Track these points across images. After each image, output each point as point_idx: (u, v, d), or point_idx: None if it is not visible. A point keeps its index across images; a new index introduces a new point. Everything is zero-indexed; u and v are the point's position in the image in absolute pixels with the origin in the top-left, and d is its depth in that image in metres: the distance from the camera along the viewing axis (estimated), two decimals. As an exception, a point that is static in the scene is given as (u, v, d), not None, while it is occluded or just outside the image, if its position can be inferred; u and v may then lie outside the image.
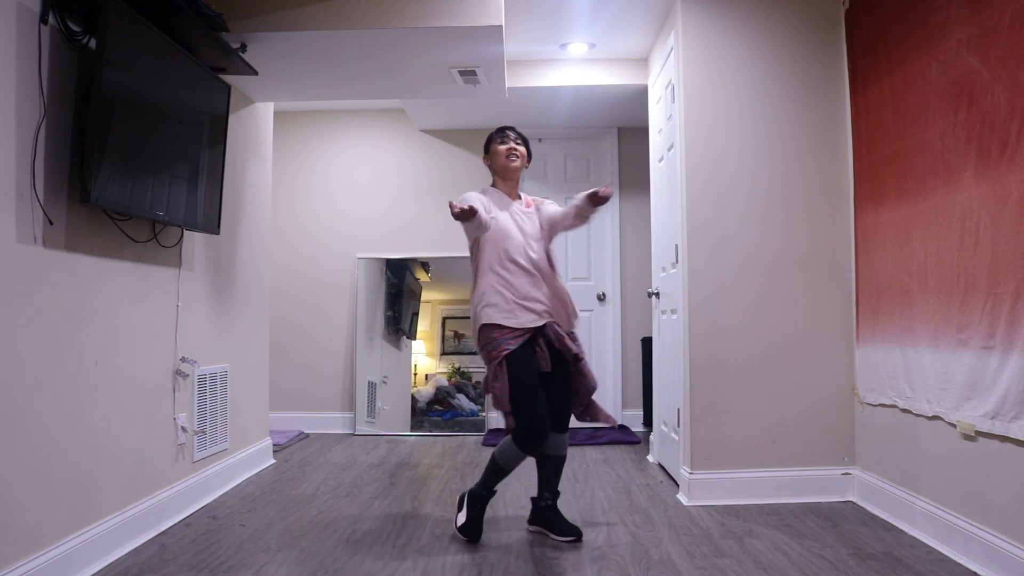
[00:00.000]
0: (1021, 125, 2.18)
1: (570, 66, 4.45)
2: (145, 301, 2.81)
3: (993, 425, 2.30)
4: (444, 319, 5.47)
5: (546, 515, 2.80)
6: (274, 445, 4.41)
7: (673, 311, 3.67)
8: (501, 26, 3.03)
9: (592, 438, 4.85)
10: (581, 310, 5.36)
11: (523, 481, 3.67)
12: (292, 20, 3.04)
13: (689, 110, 3.37)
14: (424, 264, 5.45)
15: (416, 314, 5.44)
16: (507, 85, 4.04)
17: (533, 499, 2.87)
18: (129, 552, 2.61)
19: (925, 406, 2.70)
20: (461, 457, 4.37)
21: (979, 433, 2.40)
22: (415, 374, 5.40)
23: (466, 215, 2.53)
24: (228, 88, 3.18)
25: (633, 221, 5.38)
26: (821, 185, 3.35)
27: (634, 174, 5.37)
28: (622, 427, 5.22)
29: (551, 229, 2.86)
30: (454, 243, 5.17)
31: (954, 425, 2.53)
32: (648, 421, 5.12)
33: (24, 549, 2.11)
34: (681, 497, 3.33)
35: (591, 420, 2.86)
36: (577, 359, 2.79)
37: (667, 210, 3.81)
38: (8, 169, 2.05)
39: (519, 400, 2.61)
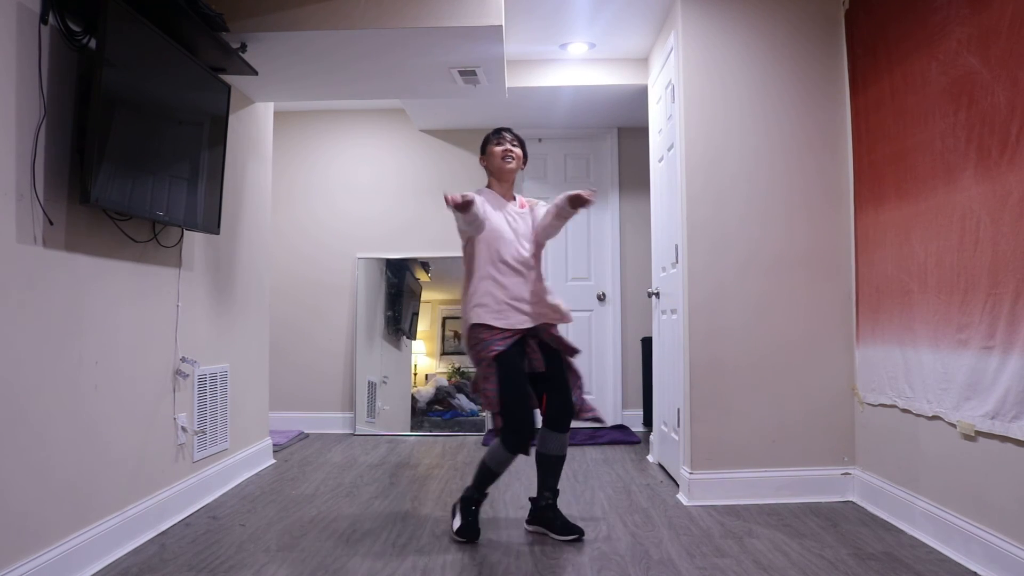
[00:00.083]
0: (1021, 125, 2.18)
1: (570, 66, 4.45)
2: (145, 301, 2.81)
3: (993, 425, 2.30)
4: (444, 319, 5.47)
5: (546, 514, 2.81)
6: (274, 445, 4.41)
7: (673, 311, 3.67)
8: (501, 26, 3.03)
9: (592, 438, 4.85)
10: (581, 310, 5.40)
11: (523, 481, 3.67)
12: (292, 20, 3.04)
13: (689, 110, 3.37)
14: (424, 264, 5.45)
15: (416, 314, 5.44)
16: (507, 85, 4.04)
17: (532, 499, 2.87)
18: (129, 552, 2.61)
19: (925, 406, 2.70)
20: (461, 457, 4.37)
21: (979, 433, 2.40)
22: (415, 374, 5.40)
23: (463, 206, 2.51)
24: (228, 88, 3.18)
25: (633, 221, 5.38)
26: (821, 185, 3.35)
27: (634, 174, 5.37)
28: (622, 427, 5.22)
29: (539, 232, 2.85)
30: (454, 243, 5.13)
31: (954, 425, 2.53)
32: (648, 421, 5.12)
33: (25, 549, 2.11)
34: (681, 497, 3.33)
35: (578, 415, 2.82)
36: (574, 352, 2.81)
37: (667, 210, 3.81)
38: (8, 169, 2.05)
39: (507, 401, 2.62)
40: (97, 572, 2.41)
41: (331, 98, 4.61)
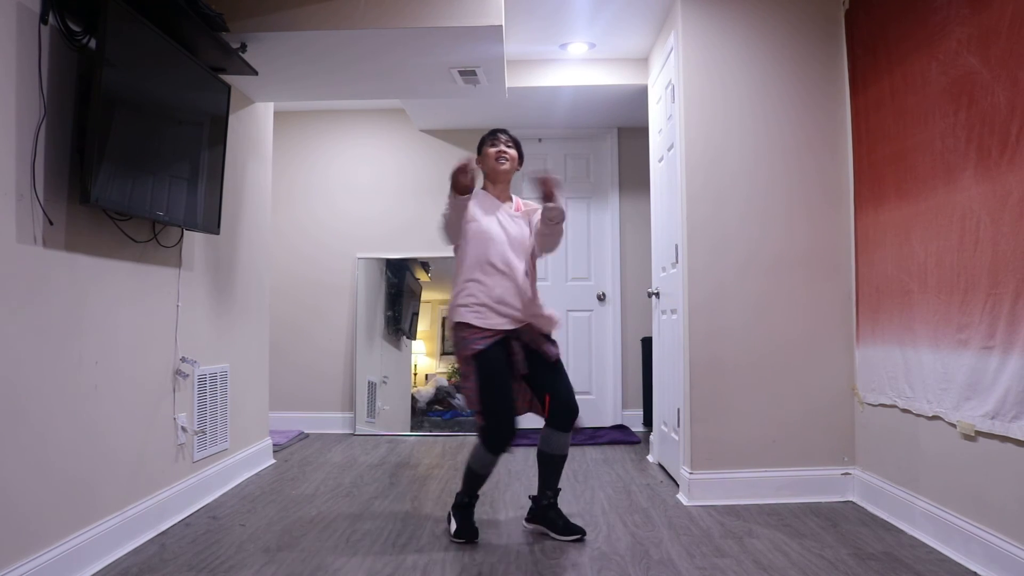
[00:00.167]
0: (1021, 125, 2.18)
1: (570, 66, 4.45)
2: (145, 301, 2.81)
3: (993, 425, 2.31)
4: (444, 319, 5.47)
5: (548, 514, 2.81)
6: (274, 445, 4.41)
7: (673, 311, 3.67)
8: (501, 26, 3.03)
9: (592, 438, 4.85)
10: (581, 310, 5.40)
11: (523, 481, 3.67)
12: (292, 20, 3.04)
13: (689, 110, 3.37)
14: (424, 264, 5.45)
15: (416, 314, 5.44)
16: (507, 85, 4.04)
17: (533, 497, 2.87)
18: (129, 552, 2.61)
19: (925, 406, 2.70)
20: (461, 457, 4.37)
21: (979, 433, 2.40)
22: (415, 374, 5.40)
23: (462, 184, 2.55)
24: (228, 88, 3.18)
25: (633, 221, 5.38)
26: (821, 185, 3.35)
27: (634, 174, 5.37)
28: (622, 427, 5.22)
29: (536, 245, 2.84)
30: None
31: (954, 425, 2.53)
32: (648, 421, 5.12)
33: (25, 548, 2.11)
34: (681, 497, 3.33)
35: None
36: (553, 358, 2.79)
37: (667, 210, 3.81)
38: (8, 169, 2.05)
39: (486, 400, 2.63)
40: (97, 572, 2.41)
41: (331, 98, 4.61)
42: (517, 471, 3.94)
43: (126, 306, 2.67)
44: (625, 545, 2.69)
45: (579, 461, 4.19)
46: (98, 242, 2.49)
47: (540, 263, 5.26)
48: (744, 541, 2.72)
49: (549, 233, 2.74)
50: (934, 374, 2.64)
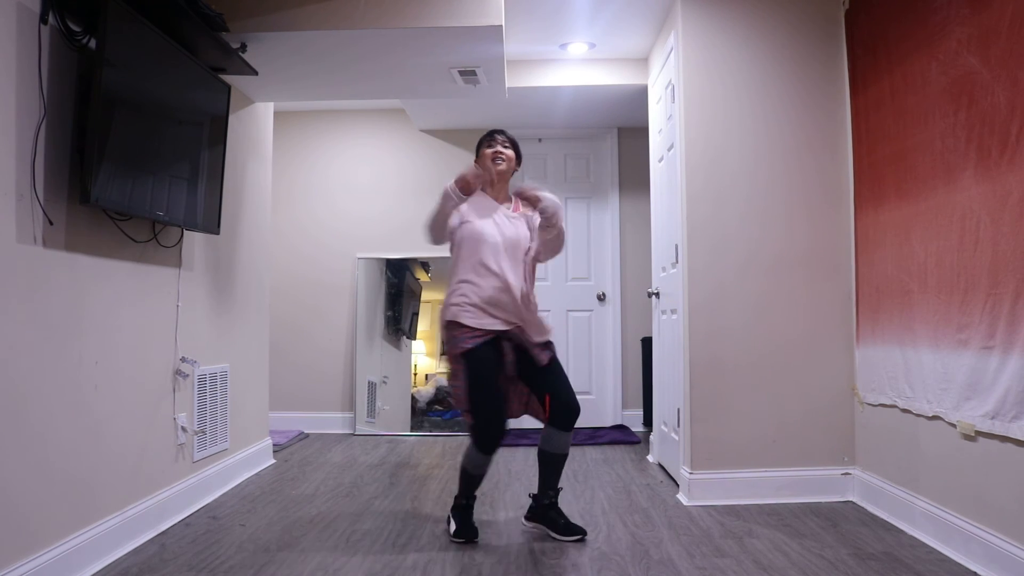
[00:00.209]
0: (1021, 125, 2.18)
1: (570, 66, 4.45)
2: (145, 301, 2.81)
3: (993, 425, 2.31)
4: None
5: (549, 514, 2.81)
6: (274, 445, 4.41)
7: (673, 311, 3.67)
8: (501, 26, 3.03)
9: (592, 438, 4.85)
10: (581, 310, 5.40)
11: (523, 481, 3.67)
12: (292, 20, 3.04)
13: (689, 110, 3.37)
14: (424, 264, 5.45)
15: (416, 314, 5.44)
16: (507, 85, 4.04)
17: (533, 496, 2.87)
18: (129, 552, 2.61)
19: (925, 406, 2.70)
20: (461, 457, 4.36)
21: (979, 433, 2.40)
22: (415, 374, 5.40)
23: (468, 185, 2.68)
24: (228, 88, 3.18)
25: (633, 221, 5.38)
26: (821, 185, 3.35)
27: (634, 174, 5.37)
28: (622, 427, 5.22)
29: (537, 253, 2.84)
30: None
31: (954, 425, 2.53)
32: (648, 421, 5.12)
33: (26, 548, 2.11)
34: (681, 497, 3.33)
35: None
36: (554, 362, 2.79)
37: (667, 210, 3.81)
38: (8, 169, 2.05)
39: (474, 398, 2.64)
40: (97, 572, 2.41)
41: (331, 98, 4.61)
42: (517, 471, 3.94)
43: (126, 306, 2.67)
44: (625, 545, 2.69)
45: (579, 461, 4.19)
46: (98, 242, 2.49)
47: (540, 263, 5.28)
48: (744, 541, 2.72)
49: (550, 234, 2.74)
50: (934, 374, 2.64)
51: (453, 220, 2.80)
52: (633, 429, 5.21)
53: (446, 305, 2.75)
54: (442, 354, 5.40)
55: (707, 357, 3.31)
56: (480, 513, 3.08)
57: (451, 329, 2.71)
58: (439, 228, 2.77)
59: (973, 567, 2.38)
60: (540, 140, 5.46)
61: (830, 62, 3.37)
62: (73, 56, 2.33)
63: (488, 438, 2.66)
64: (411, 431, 5.20)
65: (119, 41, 2.33)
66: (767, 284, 3.32)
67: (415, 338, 5.43)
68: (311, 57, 3.33)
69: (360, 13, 3.03)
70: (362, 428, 5.21)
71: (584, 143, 5.50)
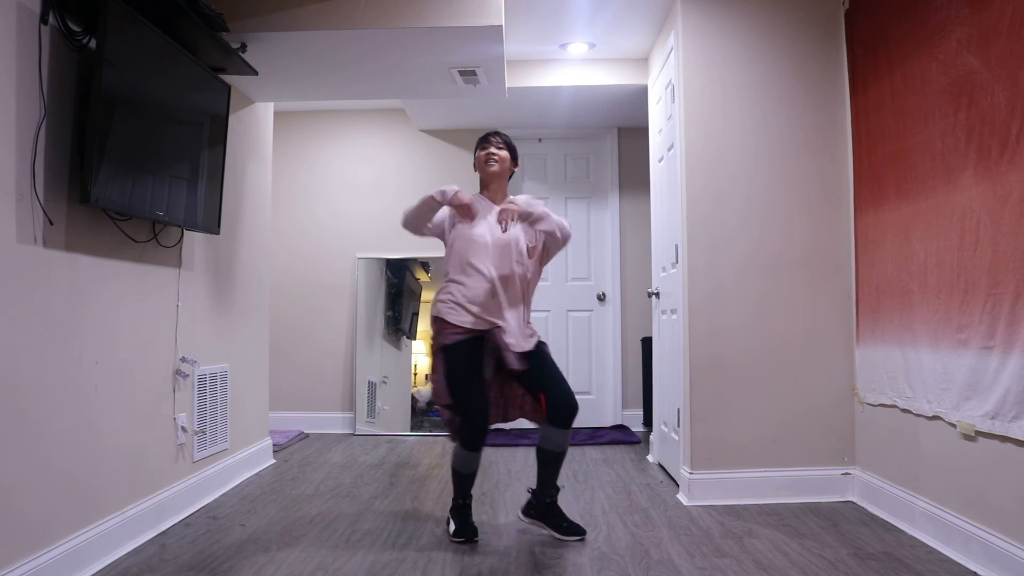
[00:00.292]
0: (1021, 125, 2.18)
1: (570, 66, 4.45)
2: (145, 301, 2.81)
3: (993, 425, 2.31)
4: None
5: (549, 512, 2.81)
6: (274, 445, 4.41)
7: (673, 311, 3.67)
8: (501, 26, 3.03)
9: (592, 438, 4.85)
10: (581, 310, 5.40)
11: (523, 481, 3.67)
12: (292, 20, 3.04)
13: (689, 110, 3.37)
14: (424, 264, 5.45)
15: (416, 314, 5.44)
16: (507, 85, 4.04)
17: (532, 492, 2.87)
18: (129, 552, 2.61)
19: (925, 406, 2.70)
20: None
21: (979, 433, 2.40)
22: (415, 374, 5.40)
23: (459, 206, 2.68)
24: (228, 88, 3.18)
25: (633, 221, 5.38)
26: (821, 185, 3.35)
27: (634, 174, 5.37)
28: (622, 427, 5.22)
29: (543, 248, 2.85)
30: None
31: (954, 425, 2.53)
32: (648, 421, 5.12)
33: (26, 548, 2.11)
34: (681, 497, 3.33)
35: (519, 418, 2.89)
36: (546, 359, 2.78)
37: (667, 210, 3.81)
38: (8, 169, 2.05)
39: (456, 394, 2.68)
40: (97, 572, 2.41)
41: (331, 98, 4.61)
42: (517, 471, 3.94)
43: (126, 306, 2.67)
44: (625, 545, 2.69)
45: (579, 461, 4.19)
46: (98, 242, 2.49)
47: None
48: (744, 541, 2.72)
49: (547, 238, 2.80)
50: (934, 374, 2.64)
51: (447, 220, 2.85)
52: (633, 429, 5.21)
53: (434, 302, 2.82)
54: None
55: (707, 357, 3.31)
56: (480, 513, 3.08)
57: (435, 324, 2.77)
58: (416, 223, 2.82)
59: (973, 567, 2.38)
60: (540, 140, 5.46)
61: (830, 62, 3.37)
62: (73, 56, 2.33)
63: (471, 434, 2.68)
64: (411, 431, 5.20)
65: (119, 41, 2.33)
66: (767, 284, 3.32)
67: (415, 338, 5.43)
68: (311, 57, 3.33)
69: (360, 13, 3.03)
70: (362, 428, 5.21)
71: (584, 143, 5.50)
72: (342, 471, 3.99)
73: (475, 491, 3.27)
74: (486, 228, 2.78)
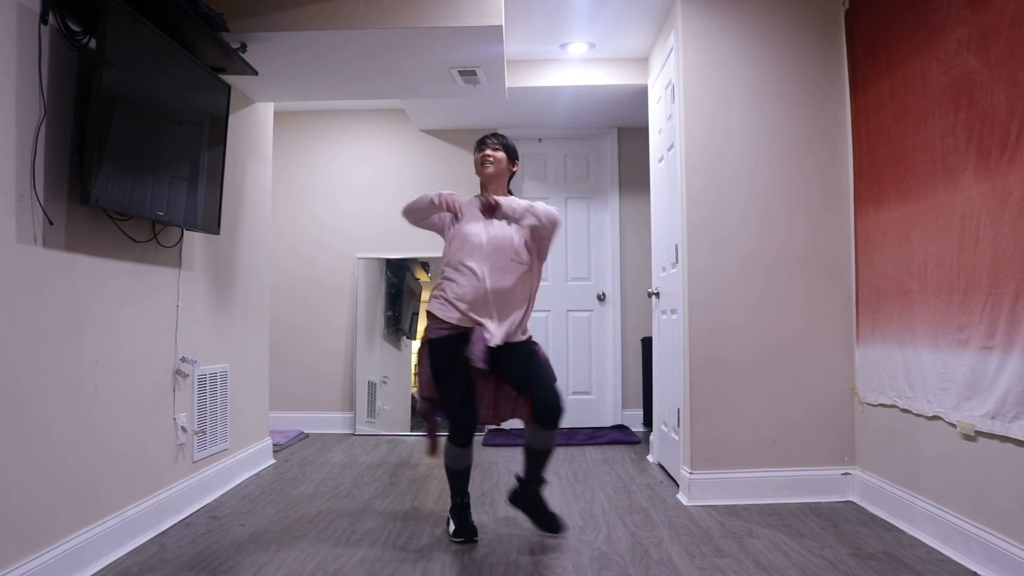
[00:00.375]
0: (1021, 125, 2.18)
1: (570, 66, 4.45)
2: (145, 301, 2.81)
3: (993, 425, 2.31)
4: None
5: (532, 504, 2.82)
6: (274, 445, 4.41)
7: (673, 311, 3.67)
8: (501, 26, 3.03)
9: (592, 438, 4.85)
10: (581, 310, 5.40)
11: (523, 481, 3.67)
12: (292, 20, 3.04)
13: (689, 110, 3.37)
14: (424, 264, 5.45)
15: (416, 314, 5.44)
16: (507, 85, 4.04)
17: (519, 478, 2.86)
18: (129, 552, 2.61)
19: (925, 406, 2.70)
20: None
21: (979, 433, 2.40)
22: (415, 374, 5.40)
23: (448, 208, 2.74)
24: (228, 88, 3.18)
25: (633, 221, 5.38)
26: (821, 185, 3.35)
27: (634, 174, 5.37)
28: (622, 427, 5.22)
29: (535, 243, 2.85)
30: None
31: (954, 425, 2.53)
32: (648, 421, 5.12)
33: (27, 548, 2.11)
34: (681, 497, 3.33)
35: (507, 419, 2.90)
36: (534, 359, 2.76)
37: (667, 210, 3.81)
38: (8, 169, 2.05)
39: (441, 391, 2.72)
40: (97, 572, 2.41)
41: (331, 98, 4.61)
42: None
43: (126, 306, 2.67)
44: (625, 545, 2.69)
45: (579, 461, 4.19)
46: (98, 242, 2.49)
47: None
48: (744, 541, 2.72)
49: (532, 234, 2.79)
50: (934, 374, 2.64)
51: (448, 218, 2.88)
52: (633, 429, 5.21)
53: (429, 298, 2.86)
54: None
55: (707, 357, 3.31)
56: (480, 513, 3.08)
57: (428, 320, 2.82)
58: (413, 219, 2.89)
59: (973, 567, 2.38)
60: (540, 140, 5.46)
61: (830, 62, 3.37)
62: (73, 56, 2.33)
63: (457, 429, 2.70)
64: (411, 431, 5.20)
65: (119, 41, 2.33)
66: (767, 284, 3.32)
67: (415, 338, 5.42)
68: (311, 57, 3.33)
69: (360, 13, 3.03)
70: (362, 428, 5.21)
71: (584, 143, 5.50)
72: (342, 471, 3.99)
73: (475, 491, 3.27)
74: (482, 228, 2.80)
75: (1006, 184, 2.25)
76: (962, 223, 2.47)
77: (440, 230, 2.90)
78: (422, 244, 5.38)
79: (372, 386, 5.29)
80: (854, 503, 3.21)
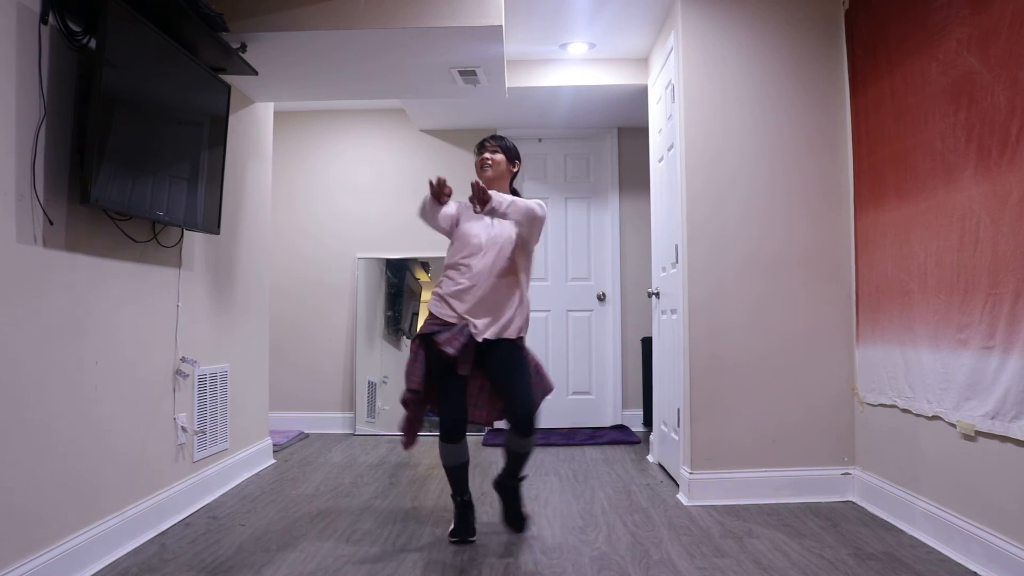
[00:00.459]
0: (1021, 125, 2.18)
1: (570, 66, 4.45)
2: (145, 301, 2.81)
3: (993, 425, 2.31)
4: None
5: (506, 494, 2.86)
6: (274, 445, 4.41)
7: (673, 311, 3.67)
8: (501, 26, 3.03)
9: (592, 438, 4.85)
10: (581, 310, 5.40)
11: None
12: (292, 20, 3.04)
13: (689, 110, 3.37)
14: (424, 264, 5.45)
15: (416, 314, 5.44)
16: (507, 85, 4.04)
17: (504, 469, 2.87)
18: (129, 552, 2.61)
19: (925, 406, 2.70)
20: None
21: (979, 433, 2.40)
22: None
23: (438, 194, 2.69)
24: (228, 88, 3.18)
25: (633, 221, 5.38)
26: (821, 185, 3.35)
27: (634, 174, 5.37)
28: (622, 427, 5.22)
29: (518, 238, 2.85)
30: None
31: (954, 425, 2.53)
32: (648, 421, 5.12)
33: (27, 547, 2.11)
34: (681, 497, 3.33)
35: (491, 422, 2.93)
36: (514, 366, 2.76)
37: (667, 210, 3.81)
38: (8, 169, 2.05)
39: (433, 384, 2.76)
40: (97, 572, 2.41)
41: (331, 98, 4.61)
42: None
43: (126, 306, 2.67)
44: (625, 545, 2.69)
45: (579, 461, 4.19)
46: (98, 242, 2.49)
47: (540, 263, 5.28)
48: (744, 541, 2.72)
49: (517, 229, 2.77)
50: (934, 374, 2.64)
51: (451, 219, 2.90)
52: (633, 429, 5.21)
53: (430, 297, 2.91)
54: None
55: (707, 357, 3.31)
56: (480, 513, 3.08)
57: (427, 316, 2.86)
58: (427, 217, 2.89)
59: (973, 567, 2.38)
60: (540, 140, 5.46)
61: (830, 62, 3.37)
62: (73, 56, 2.33)
63: (445, 426, 2.73)
64: (411, 431, 5.19)
65: (119, 41, 2.33)
66: (767, 284, 3.32)
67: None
68: (311, 57, 3.33)
69: (360, 13, 3.03)
70: (362, 428, 5.21)
71: (584, 143, 5.50)
72: (342, 471, 3.99)
73: (475, 491, 3.26)
74: (482, 228, 2.83)
75: (1006, 184, 2.25)
76: (962, 223, 2.47)
77: (447, 232, 2.92)
78: (422, 244, 5.38)
79: (372, 386, 5.29)
80: (854, 503, 3.21)
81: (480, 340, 2.71)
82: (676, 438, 3.57)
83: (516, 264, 2.80)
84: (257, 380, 4.05)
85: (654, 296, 4.12)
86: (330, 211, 5.46)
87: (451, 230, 2.91)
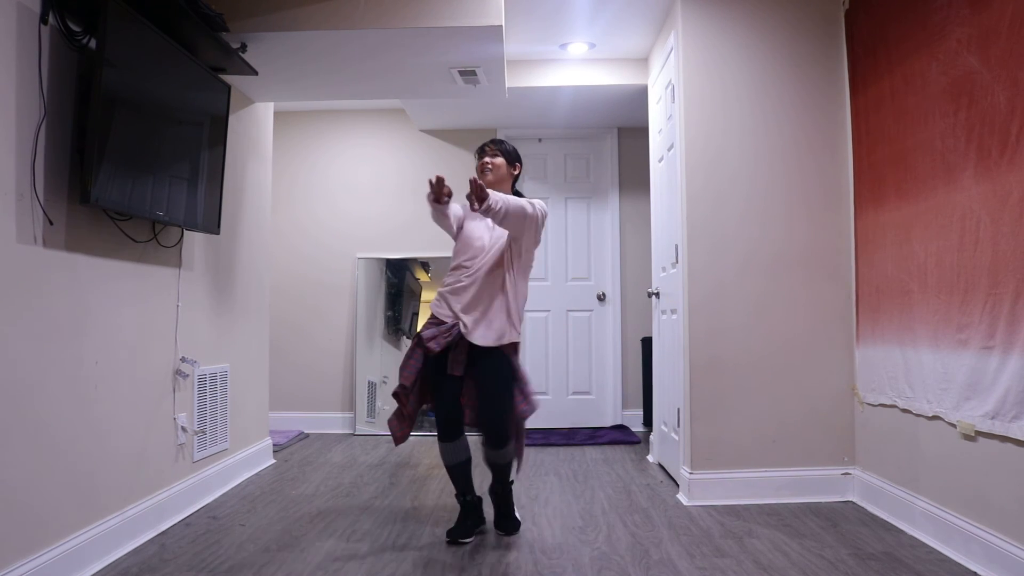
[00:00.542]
0: (1021, 125, 2.18)
1: (570, 66, 4.45)
2: (145, 301, 2.81)
3: (993, 425, 2.31)
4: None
5: (497, 499, 2.89)
6: (274, 445, 4.41)
7: (673, 311, 3.67)
8: (501, 26, 3.03)
9: (592, 438, 4.85)
10: (581, 310, 5.40)
11: (522, 483, 3.67)
12: (292, 20, 3.04)
13: (689, 110, 3.37)
14: (424, 264, 5.45)
15: (416, 314, 5.44)
16: (507, 85, 4.04)
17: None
18: (129, 552, 2.61)
19: (925, 406, 2.70)
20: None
21: (979, 433, 2.40)
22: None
23: (438, 195, 2.71)
24: (228, 88, 3.18)
25: (633, 221, 5.38)
26: (821, 185, 3.35)
27: (634, 174, 5.37)
28: (622, 427, 5.22)
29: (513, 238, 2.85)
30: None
31: (954, 425, 2.53)
32: (648, 421, 5.12)
33: (28, 547, 2.11)
34: (681, 497, 3.33)
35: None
36: (488, 378, 2.75)
37: (667, 210, 3.81)
38: (8, 169, 2.05)
39: (429, 382, 2.79)
40: (98, 572, 2.41)
41: (331, 98, 4.61)
42: (519, 471, 3.93)
43: (126, 306, 2.67)
44: (625, 545, 2.69)
45: (579, 461, 4.19)
46: (98, 242, 2.49)
47: (540, 263, 5.28)
48: (744, 541, 2.72)
49: (508, 229, 2.74)
50: (934, 374, 2.64)
51: (456, 220, 2.94)
52: (633, 429, 5.21)
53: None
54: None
55: (707, 357, 3.31)
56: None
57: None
58: (439, 224, 2.92)
59: (973, 567, 2.38)
60: (540, 140, 5.46)
61: (830, 62, 3.37)
62: (73, 56, 2.33)
63: (440, 425, 2.76)
64: (411, 431, 5.19)
65: (119, 41, 2.33)
66: (767, 284, 3.32)
67: (415, 338, 5.42)
68: (311, 57, 3.33)
69: (360, 13, 3.03)
70: (362, 428, 5.20)
71: (584, 143, 5.50)
72: (342, 471, 3.99)
73: (476, 491, 3.26)
74: (485, 231, 2.85)
75: (1006, 184, 2.25)
76: (962, 223, 2.47)
77: (454, 234, 2.96)
78: (422, 244, 5.38)
79: (372, 386, 5.29)
80: (854, 503, 3.21)
81: (470, 340, 2.71)
82: (676, 438, 3.57)
83: (508, 264, 2.80)
84: (257, 380, 4.05)
85: (654, 296, 4.12)
86: (330, 211, 5.46)
87: (456, 231, 2.94)
